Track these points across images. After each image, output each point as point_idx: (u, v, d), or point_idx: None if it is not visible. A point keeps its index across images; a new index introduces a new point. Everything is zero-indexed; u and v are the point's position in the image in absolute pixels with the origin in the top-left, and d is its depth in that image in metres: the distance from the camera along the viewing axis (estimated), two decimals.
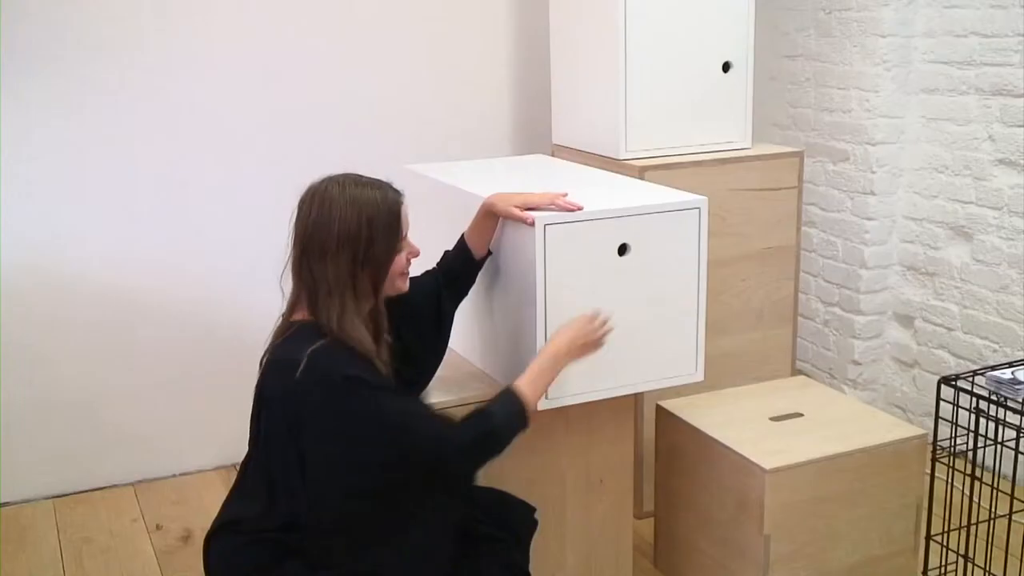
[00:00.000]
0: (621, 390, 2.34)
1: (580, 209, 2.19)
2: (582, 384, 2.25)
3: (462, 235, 2.28)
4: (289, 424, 1.84)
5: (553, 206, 2.18)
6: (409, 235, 2.00)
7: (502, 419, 1.94)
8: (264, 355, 1.93)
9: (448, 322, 2.27)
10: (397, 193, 1.95)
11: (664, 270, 2.28)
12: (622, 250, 2.25)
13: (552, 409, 2.25)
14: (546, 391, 2.10)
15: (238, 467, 2.02)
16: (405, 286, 2.03)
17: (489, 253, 2.30)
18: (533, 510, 2.18)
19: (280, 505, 1.87)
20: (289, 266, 1.94)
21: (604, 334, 2.15)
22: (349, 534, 1.88)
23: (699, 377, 2.40)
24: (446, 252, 2.30)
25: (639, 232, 2.23)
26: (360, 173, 1.97)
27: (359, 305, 1.89)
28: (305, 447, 1.83)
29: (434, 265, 2.28)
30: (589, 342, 2.12)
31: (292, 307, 1.94)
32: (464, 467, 1.95)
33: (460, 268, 2.27)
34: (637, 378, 2.33)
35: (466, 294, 2.31)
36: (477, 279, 2.35)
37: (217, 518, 1.98)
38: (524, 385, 1.99)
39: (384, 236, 1.89)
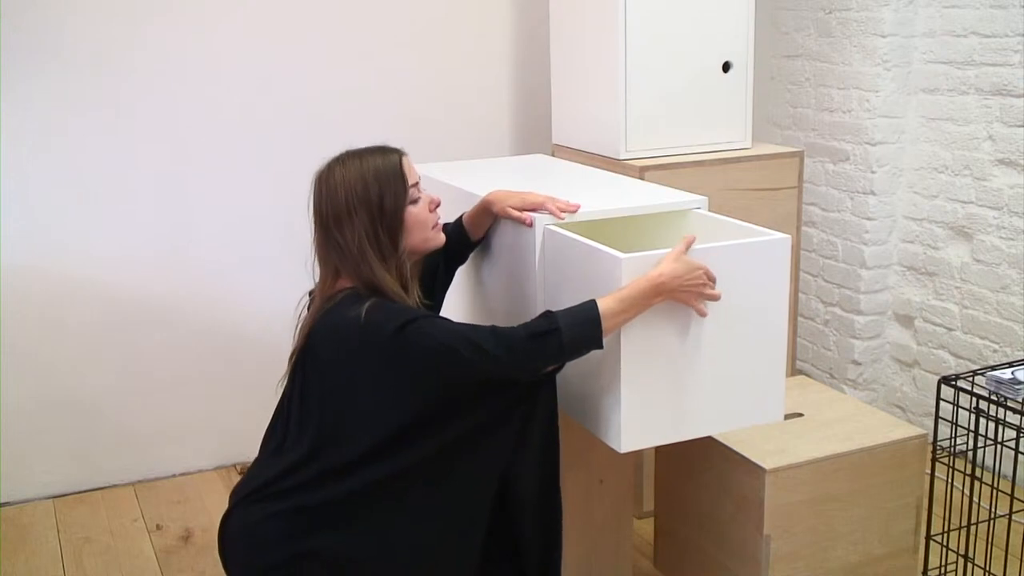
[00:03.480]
0: (699, 435, 2.15)
1: (576, 210, 2.18)
2: (658, 431, 2.09)
3: (460, 216, 2.33)
4: (354, 378, 1.89)
5: (545, 209, 2.17)
6: (425, 188, 2.04)
7: (567, 323, 1.90)
8: (305, 327, 1.97)
9: (443, 292, 2.34)
10: (396, 150, 2.02)
11: (747, 306, 2.08)
12: None
13: None
14: (634, 317, 1.93)
15: (238, 467, 2.02)
16: (440, 239, 2.09)
17: (485, 236, 2.35)
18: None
19: (322, 456, 1.90)
20: (315, 252, 2.00)
21: (709, 294, 1.99)
22: (389, 493, 1.91)
23: (780, 419, 2.23)
24: (445, 225, 2.32)
25: (721, 264, 2.05)
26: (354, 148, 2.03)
27: (386, 263, 1.94)
28: (373, 391, 1.88)
29: None
30: (694, 293, 1.97)
31: (323, 287, 1.99)
32: (518, 364, 1.92)
33: (457, 245, 2.32)
34: (716, 423, 2.14)
35: (459, 266, 2.37)
36: (476, 278, 2.43)
37: (242, 487, 1.99)
38: (608, 300, 1.91)
39: (392, 188, 1.96)
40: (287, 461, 1.93)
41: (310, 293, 2.07)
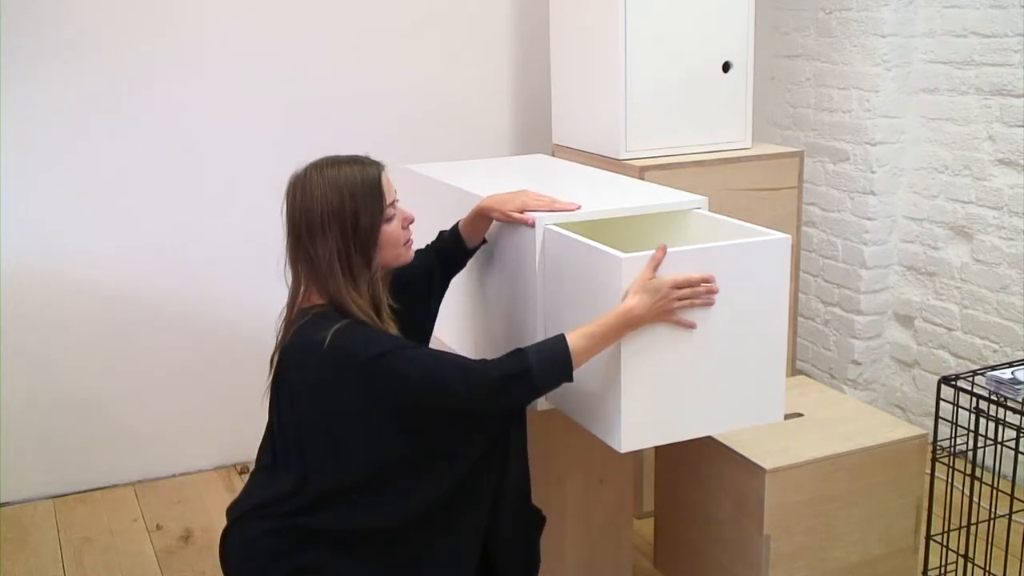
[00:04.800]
0: (698, 435, 2.15)
1: (578, 208, 2.18)
2: (658, 430, 2.08)
3: (457, 223, 2.31)
4: (323, 403, 1.88)
5: (550, 209, 2.17)
6: (400, 203, 2.01)
7: (537, 361, 1.89)
8: (279, 345, 1.96)
9: (438, 300, 2.31)
10: (376, 164, 1.98)
11: (745, 306, 2.07)
12: None
13: (552, 409, 2.25)
14: (603, 349, 1.94)
15: (238, 467, 2.02)
16: (410, 254, 2.06)
17: (484, 241, 2.33)
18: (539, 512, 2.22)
19: (313, 482, 1.90)
20: (287, 258, 1.98)
21: (688, 305, 1.97)
22: (376, 517, 1.90)
23: (779, 419, 2.22)
24: (441, 233, 2.33)
25: (719, 265, 2.04)
26: (337, 154, 2.00)
27: (357, 281, 1.92)
28: (341, 424, 1.87)
29: (430, 242, 2.32)
30: (671, 312, 1.95)
31: (295, 296, 1.97)
32: (489, 404, 1.93)
33: (453, 252, 2.31)
34: (716, 423, 2.13)
35: (455, 274, 2.35)
36: (474, 279, 2.42)
37: (240, 503, 1.99)
38: (578, 336, 1.91)
39: (368, 206, 1.92)
40: (281, 486, 1.93)
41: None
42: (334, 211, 1.90)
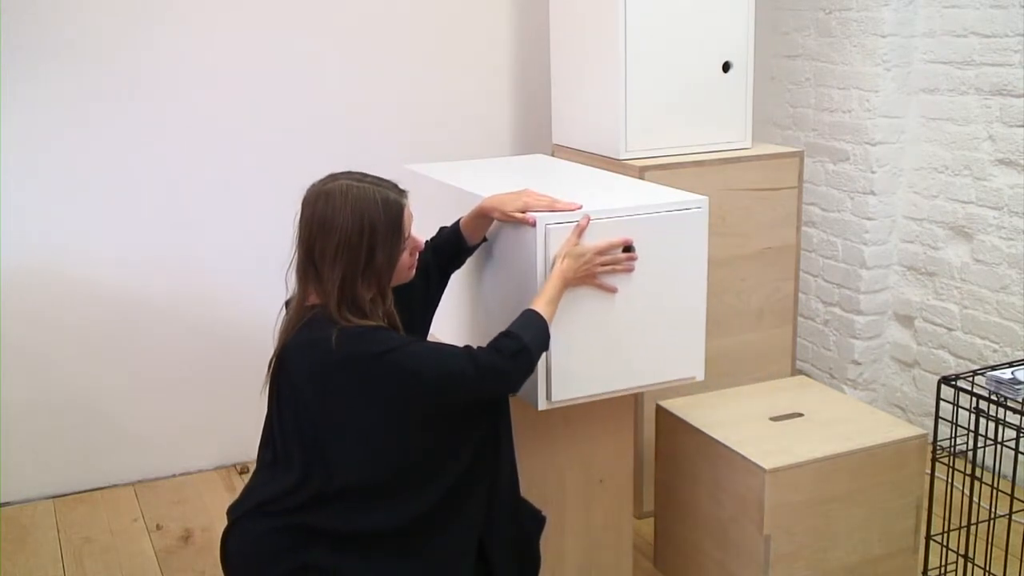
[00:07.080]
0: (624, 389, 2.31)
1: (579, 208, 2.19)
2: (585, 383, 2.24)
3: (458, 220, 2.31)
4: (326, 401, 1.88)
5: (552, 209, 2.18)
6: (413, 230, 2.01)
7: (528, 337, 1.99)
8: (281, 339, 1.96)
9: (437, 296, 2.31)
10: (400, 195, 1.96)
11: (666, 269, 2.26)
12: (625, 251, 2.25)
13: (552, 409, 2.25)
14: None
15: (238, 467, 2.01)
16: (411, 275, 2.08)
17: (484, 239, 2.33)
18: (540, 513, 2.23)
19: (314, 481, 1.90)
20: (293, 263, 1.97)
21: (610, 271, 2.18)
22: (379, 509, 1.90)
23: (700, 376, 2.39)
24: (442, 229, 2.33)
25: (640, 232, 2.21)
26: (363, 172, 1.98)
27: (359, 304, 1.91)
28: (348, 418, 1.87)
29: (430, 238, 2.32)
30: (591, 275, 2.16)
31: (301, 297, 1.96)
32: (500, 385, 1.99)
33: (453, 250, 2.32)
34: (639, 377, 2.31)
35: (455, 270, 2.36)
36: (474, 278, 2.42)
37: (242, 502, 1.99)
38: (543, 306, 2.06)
39: (385, 244, 1.91)
40: (283, 482, 1.93)
41: (287, 304, 2.03)
42: (351, 244, 1.88)
